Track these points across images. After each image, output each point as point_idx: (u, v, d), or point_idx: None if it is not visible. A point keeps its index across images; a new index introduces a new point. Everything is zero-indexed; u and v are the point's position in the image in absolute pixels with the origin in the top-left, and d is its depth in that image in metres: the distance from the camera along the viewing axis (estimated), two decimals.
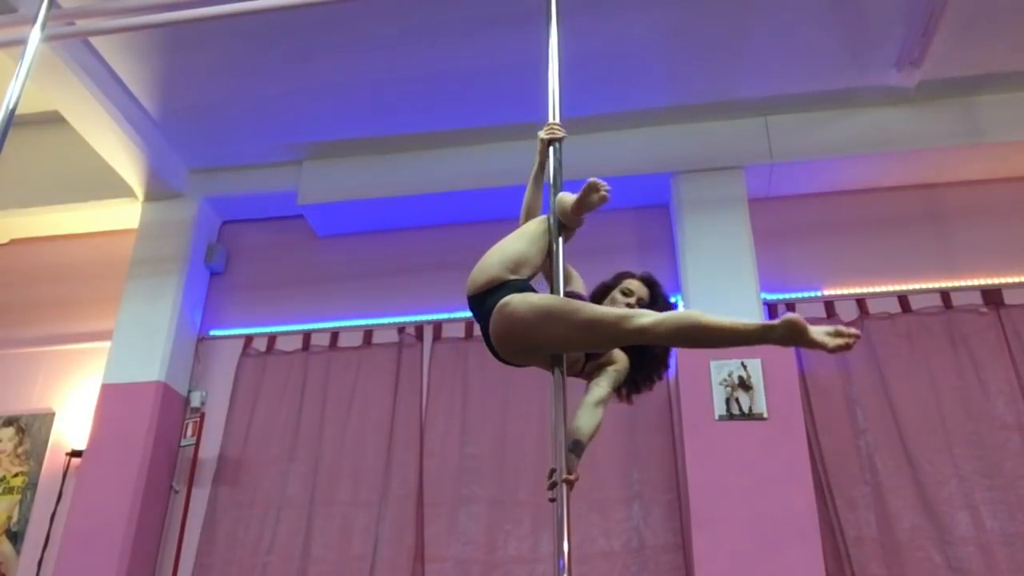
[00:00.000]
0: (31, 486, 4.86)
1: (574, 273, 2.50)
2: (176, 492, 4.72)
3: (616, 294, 2.37)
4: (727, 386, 4.17)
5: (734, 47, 4.44)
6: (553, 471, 2.02)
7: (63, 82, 4.39)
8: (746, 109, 4.81)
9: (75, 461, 4.78)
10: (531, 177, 2.54)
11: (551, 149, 2.45)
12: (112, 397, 4.70)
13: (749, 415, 4.11)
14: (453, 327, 4.89)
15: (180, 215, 5.22)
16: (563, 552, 1.87)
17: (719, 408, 4.14)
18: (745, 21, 4.30)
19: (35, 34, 3.18)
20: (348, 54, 4.47)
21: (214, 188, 5.32)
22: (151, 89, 4.76)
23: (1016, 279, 4.49)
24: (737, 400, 4.14)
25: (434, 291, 4.92)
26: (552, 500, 1.99)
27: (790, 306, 4.59)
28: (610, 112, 4.80)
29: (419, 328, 4.94)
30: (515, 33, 4.18)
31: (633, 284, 2.39)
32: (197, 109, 4.88)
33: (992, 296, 4.48)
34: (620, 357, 2.31)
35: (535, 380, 4.00)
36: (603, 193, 2.20)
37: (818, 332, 1.89)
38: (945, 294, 4.53)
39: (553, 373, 2.12)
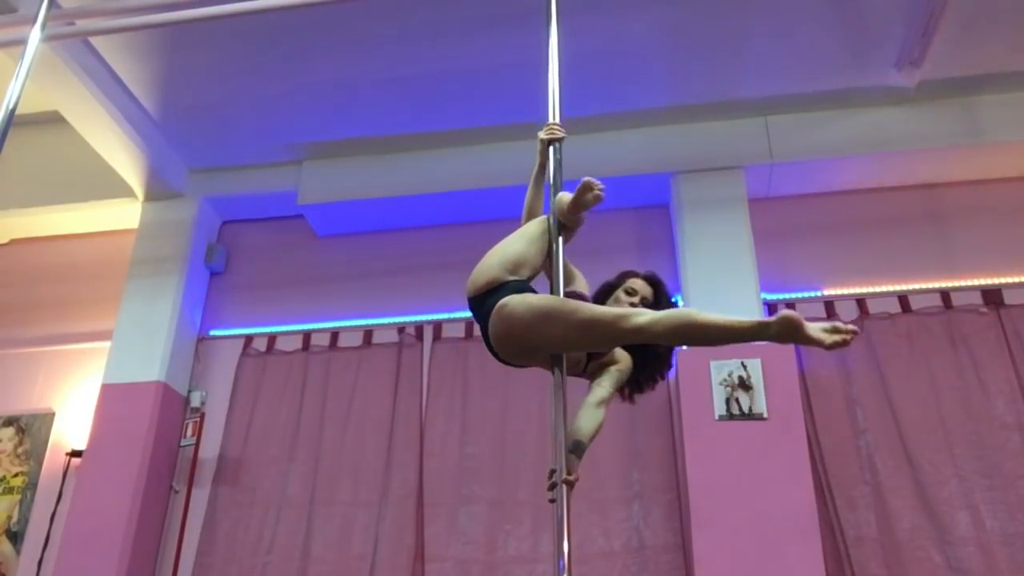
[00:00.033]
0: (31, 486, 4.86)
1: (576, 273, 2.50)
2: (176, 492, 4.72)
3: (620, 293, 2.37)
4: (727, 386, 4.17)
5: (734, 47, 4.44)
6: (553, 471, 2.02)
7: (63, 82, 4.39)
8: (746, 109, 4.81)
9: (75, 461, 4.78)
10: (532, 178, 2.54)
11: (551, 149, 2.45)
12: (112, 397, 4.70)
13: (749, 415, 4.11)
14: (453, 327, 4.89)
15: (180, 215, 5.23)
16: (563, 552, 1.87)
17: (719, 408, 4.14)
18: (745, 21, 4.30)
19: (35, 34, 3.18)
20: (348, 54, 4.47)
21: (214, 188, 5.32)
22: (151, 89, 4.76)
23: (1016, 279, 4.49)
24: (737, 400, 4.14)
25: (434, 291, 4.92)
26: (552, 501, 1.99)
27: (790, 306, 4.59)
28: (610, 112, 4.80)
29: (419, 328, 4.95)
30: (515, 33, 4.18)
31: (637, 283, 2.39)
32: (197, 109, 4.88)
33: (992, 296, 4.48)
34: (623, 357, 2.31)
35: (535, 380, 4.00)
36: (597, 192, 2.20)
37: (815, 329, 1.88)
38: (945, 294, 4.53)
39: (553, 373, 2.12)
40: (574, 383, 2.18)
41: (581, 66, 4.05)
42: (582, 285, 2.47)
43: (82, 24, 3.94)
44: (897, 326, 4.49)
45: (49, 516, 4.69)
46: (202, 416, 4.87)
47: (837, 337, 1.86)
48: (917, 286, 4.58)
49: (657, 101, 4.77)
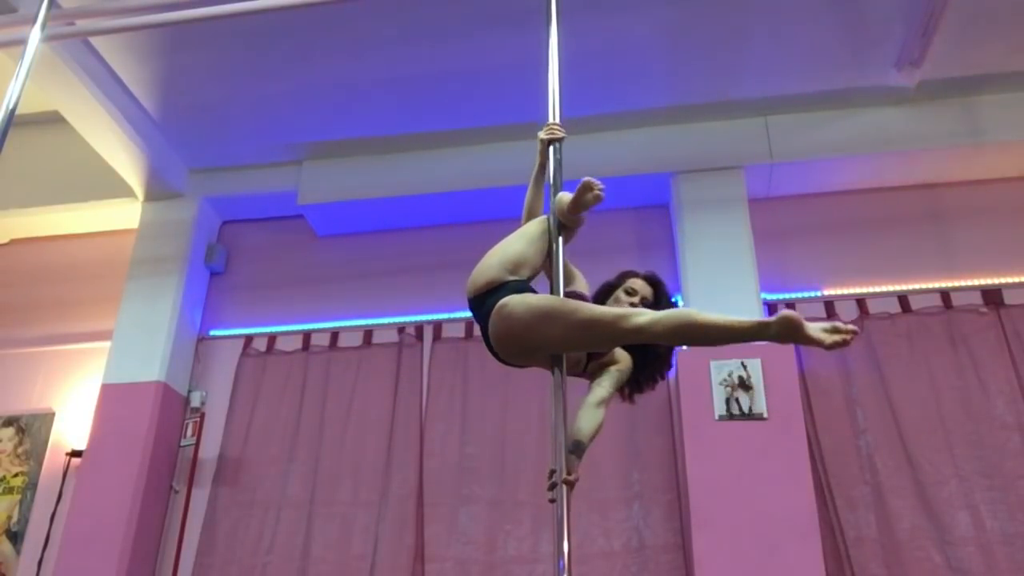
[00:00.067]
0: (31, 486, 4.86)
1: (577, 273, 2.50)
2: (176, 492, 4.72)
3: (620, 293, 2.37)
4: (727, 386, 4.17)
5: (734, 47, 4.44)
6: (553, 472, 2.02)
7: (63, 82, 4.39)
8: (746, 109, 4.81)
9: (75, 461, 4.78)
10: (532, 178, 2.54)
11: (551, 149, 2.45)
12: (112, 397, 4.70)
13: (749, 415, 4.11)
14: (453, 327, 4.89)
15: (180, 215, 5.23)
16: (563, 552, 1.87)
17: (719, 408, 4.14)
18: (745, 21, 4.30)
19: (35, 34, 3.18)
20: (348, 54, 4.47)
21: (214, 188, 5.32)
22: (151, 89, 4.76)
23: (1016, 279, 4.49)
24: (737, 400, 4.14)
25: (434, 291, 4.92)
26: (552, 501, 1.98)
27: (790, 306, 4.59)
28: (610, 112, 4.80)
29: (419, 328, 4.95)
30: (515, 33, 4.18)
31: (637, 283, 2.39)
32: (197, 109, 4.88)
33: (992, 296, 4.48)
34: (623, 356, 2.31)
35: (535, 380, 4.00)
36: (597, 192, 2.20)
37: (815, 328, 1.88)
38: (945, 294, 4.53)
39: (553, 373, 2.12)
40: (574, 383, 2.18)
41: (581, 66, 4.05)
42: (582, 285, 2.47)
43: (82, 24, 3.93)
44: (897, 326, 4.49)
45: (49, 516, 4.69)
46: (202, 416, 4.87)
47: (837, 337, 1.86)
48: (917, 286, 4.58)
49: (657, 101, 4.77)
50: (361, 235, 5.30)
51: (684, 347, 2.44)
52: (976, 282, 4.53)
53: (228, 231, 5.51)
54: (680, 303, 4.46)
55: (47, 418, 5.03)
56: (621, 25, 4.29)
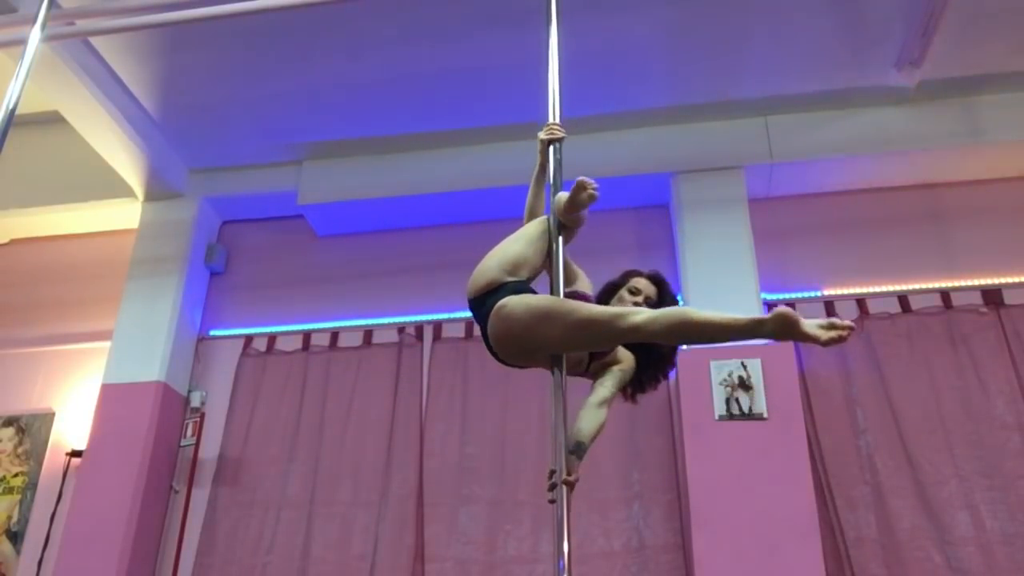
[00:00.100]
0: (31, 486, 4.86)
1: (580, 273, 2.49)
2: (176, 492, 4.72)
3: (623, 293, 2.37)
4: (727, 386, 4.17)
5: (734, 47, 4.44)
6: (553, 472, 2.01)
7: (63, 82, 4.39)
8: (746, 109, 4.81)
9: (75, 461, 4.78)
10: (533, 179, 2.53)
11: (551, 149, 2.45)
12: (112, 397, 4.70)
13: (749, 415, 4.11)
14: (453, 327, 4.89)
15: (180, 215, 5.23)
16: (563, 552, 1.87)
17: (719, 408, 4.14)
18: (745, 21, 4.30)
19: (35, 34, 3.18)
20: (348, 54, 4.47)
21: (214, 188, 5.32)
22: (151, 89, 4.76)
23: (1016, 279, 4.49)
24: (737, 400, 4.14)
25: (434, 291, 4.92)
26: (552, 502, 1.98)
27: (790, 306, 4.58)
28: (610, 112, 4.80)
29: (419, 328, 4.95)
30: (515, 33, 4.18)
31: (640, 283, 2.39)
32: (197, 109, 4.88)
33: (992, 296, 4.48)
34: (626, 356, 2.31)
35: (535, 380, 4.00)
36: (591, 191, 2.19)
37: (810, 325, 1.88)
38: (945, 294, 4.53)
39: (553, 373, 2.11)
40: (575, 383, 2.17)
41: (581, 66, 4.05)
42: (585, 285, 2.46)
43: (82, 24, 3.93)
44: (897, 326, 4.49)
45: (49, 516, 4.69)
46: (202, 416, 4.87)
47: (833, 333, 1.85)
48: (917, 286, 4.58)
49: (657, 101, 4.77)
50: (361, 235, 5.30)
51: (684, 346, 2.43)
52: (976, 282, 4.53)
53: (228, 231, 5.51)
54: (681, 303, 4.46)
55: (47, 418, 5.03)
56: (621, 25, 4.29)
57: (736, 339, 1.98)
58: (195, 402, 4.90)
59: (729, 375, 4.18)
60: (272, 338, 5.08)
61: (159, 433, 4.64)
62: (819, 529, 3.88)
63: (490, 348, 2.22)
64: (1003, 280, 4.50)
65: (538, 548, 4.23)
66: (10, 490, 4.87)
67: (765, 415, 4.09)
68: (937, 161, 4.74)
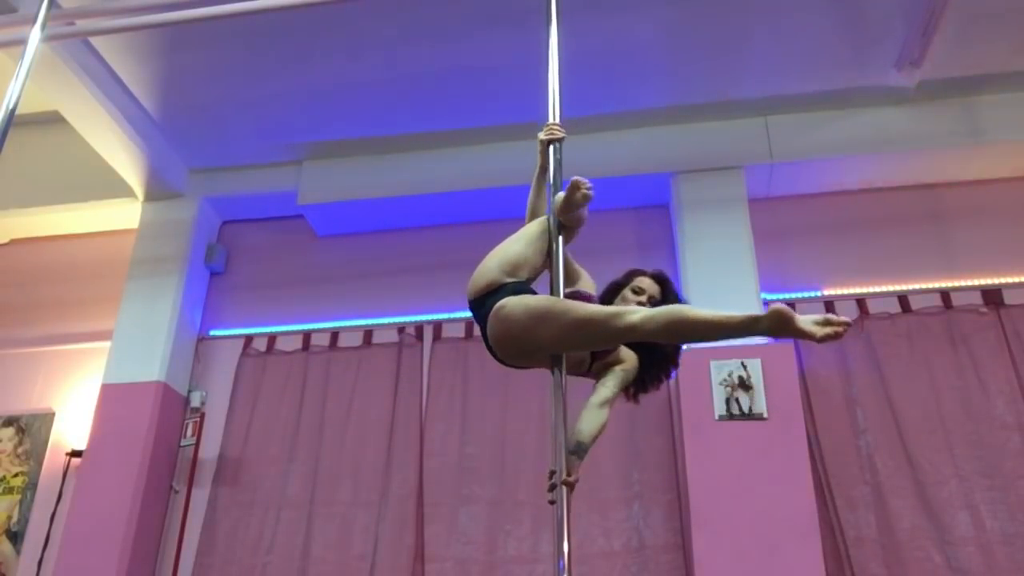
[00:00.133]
0: (31, 486, 4.86)
1: (582, 272, 2.49)
2: (176, 492, 4.72)
3: (627, 292, 2.37)
4: (727, 386, 4.17)
5: (734, 47, 4.44)
6: (553, 473, 2.01)
7: (63, 82, 4.39)
8: (746, 109, 4.81)
9: (75, 461, 4.78)
10: (533, 179, 2.53)
11: (551, 149, 2.45)
12: (112, 397, 4.70)
13: (749, 415, 4.11)
14: (453, 327, 4.89)
15: (180, 215, 5.23)
16: (563, 552, 1.87)
17: (719, 408, 4.14)
18: (745, 21, 4.30)
19: (35, 34, 3.17)
20: (348, 54, 4.47)
21: (214, 188, 5.32)
22: (151, 89, 4.76)
23: (1016, 279, 4.49)
24: (737, 400, 4.14)
25: (434, 291, 4.92)
26: (552, 502, 1.98)
27: (790, 305, 4.58)
28: (610, 112, 4.80)
29: (419, 328, 4.95)
30: (515, 33, 4.18)
31: (644, 282, 2.38)
32: (197, 109, 4.88)
33: (992, 296, 4.48)
34: (628, 356, 2.30)
35: (535, 380, 4.00)
36: (584, 191, 2.18)
37: (806, 322, 1.87)
38: (945, 294, 4.53)
39: (553, 373, 2.11)
40: (575, 383, 2.17)
41: (581, 66, 4.05)
42: (588, 285, 2.45)
43: (82, 24, 3.93)
44: (897, 326, 4.49)
45: (49, 516, 4.69)
46: (202, 416, 4.87)
47: (829, 330, 1.85)
48: (917, 286, 4.58)
49: (657, 101, 4.77)
50: (361, 235, 5.30)
51: (684, 346, 2.43)
52: (976, 282, 4.53)
53: (228, 231, 5.51)
54: None
55: (47, 418, 5.03)
56: (621, 25, 4.29)
57: (733, 336, 1.97)
58: (195, 402, 4.90)
59: (729, 375, 4.18)
60: (272, 338, 5.08)
61: (159, 433, 4.64)
62: (819, 529, 3.88)
63: (490, 349, 2.22)
64: (1003, 280, 4.50)
65: (538, 548, 4.23)
66: (10, 490, 4.87)
67: (765, 415, 4.09)
68: (937, 161, 4.74)
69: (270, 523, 4.52)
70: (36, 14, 3.22)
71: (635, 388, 2.34)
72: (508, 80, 4.51)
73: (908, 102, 4.69)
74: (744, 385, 4.16)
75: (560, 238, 2.28)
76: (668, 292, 2.38)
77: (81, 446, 4.71)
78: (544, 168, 2.47)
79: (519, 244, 2.31)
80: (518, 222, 2.49)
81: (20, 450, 4.96)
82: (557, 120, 2.48)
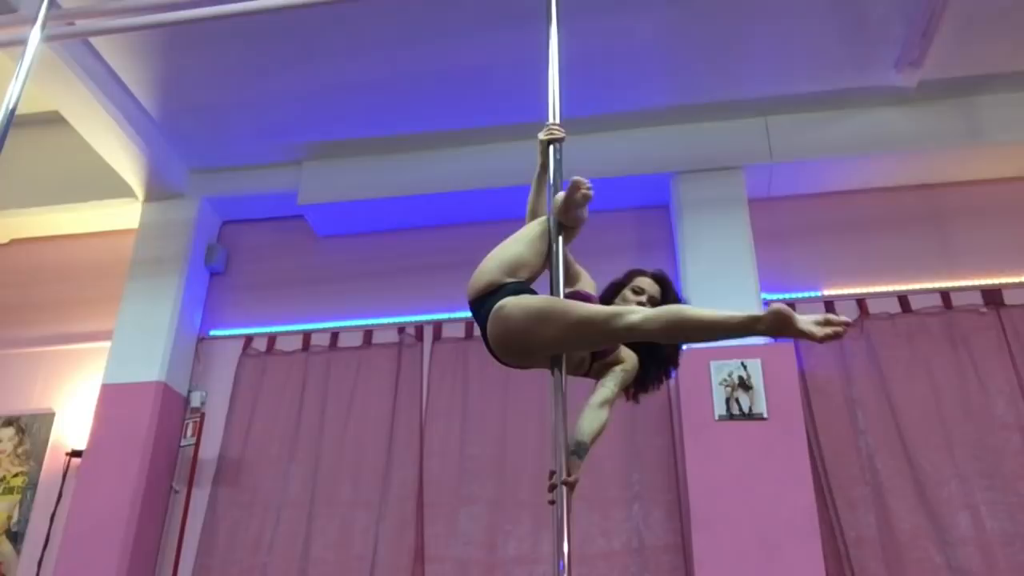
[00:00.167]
0: (31, 486, 4.86)
1: (583, 272, 2.48)
2: (176, 492, 4.72)
3: (627, 292, 2.36)
4: (727, 386, 4.17)
5: (734, 47, 4.44)
6: (553, 473, 2.01)
7: (63, 82, 4.39)
8: (746, 109, 4.81)
9: (75, 461, 4.78)
10: (534, 180, 2.52)
11: (551, 149, 2.44)
12: (112, 397, 4.70)
13: (749, 415, 4.11)
14: (453, 327, 4.89)
15: (180, 215, 5.23)
16: (563, 552, 1.86)
17: (719, 408, 4.14)
18: (745, 21, 4.30)
19: (35, 34, 3.17)
20: (348, 54, 4.47)
21: (214, 188, 5.32)
22: (151, 89, 4.76)
23: (1016, 279, 4.49)
24: (737, 400, 4.14)
25: (434, 291, 4.92)
26: (552, 503, 1.98)
27: (790, 306, 4.58)
28: (610, 112, 4.80)
29: (419, 328, 4.95)
30: (515, 33, 4.18)
31: (644, 282, 2.38)
32: (197, 109, 4.88)
33: (992, 296, 4.48)
34: (629, 356, 2.30)
35: (535, 380, 4.00)
36: (584, 191, 2.18)
37: (806, 321, 1.87)
38: (945, 294, 4.53)
39: (553, 373, 2.11)
40: (576, 383, 2.17)
41: (581, 66, 4.04)
42: (588, 285, 2.45)
43: (82, 24, 3.93)
44: (897, 326, 4.49)
45: (49, 516, 4.69)
46: (202, 416, 4.87)
47: (828, 329, 1.84)
48: (917, 286, 4.58)
49: (657, 101, 4.77)
50: (361, 235, 5.30)
51: (684, 346, 2.43)
52: (976, 282, 4.53)
53: (228, 231, 5.51)
54: None
55: (47, 418, 5.03)
56: (621, 25, 4.29)
57: (733, 336, 1.96)
58: (195, 402, 4.90)
59: (729, 375, 4.18)
60: (272, 338, 5.08)
61: (159, 433, 4.64)
62: (819, 529, 3.88)
63: (490, 349, 2.22)
64: (1003, 280, 4.50)
65: (538, 548, 4.23)
66: (10, 490, 4.87)
67: (765, 415, 4.10)
68: (937, 161, 4.74)
69: (270, 523, 4.52)
70: (36, 14, 3.22)
71: (635, 388, 2.33)
72: (508, 80, 4.51)
73: (908, 102, 4.69)
74: (744, 385, 4.16)
75: (560, 238, 2.27)
76: (668, 292, 2.38)
77: (81, 446, 4.71)
78: (544, 168, 2.47)
79: (518, 245, 2.30)
80: (518, 222, 2.49)
81: (20, 450, 4.96)
82: (557, 120, 2.47)
